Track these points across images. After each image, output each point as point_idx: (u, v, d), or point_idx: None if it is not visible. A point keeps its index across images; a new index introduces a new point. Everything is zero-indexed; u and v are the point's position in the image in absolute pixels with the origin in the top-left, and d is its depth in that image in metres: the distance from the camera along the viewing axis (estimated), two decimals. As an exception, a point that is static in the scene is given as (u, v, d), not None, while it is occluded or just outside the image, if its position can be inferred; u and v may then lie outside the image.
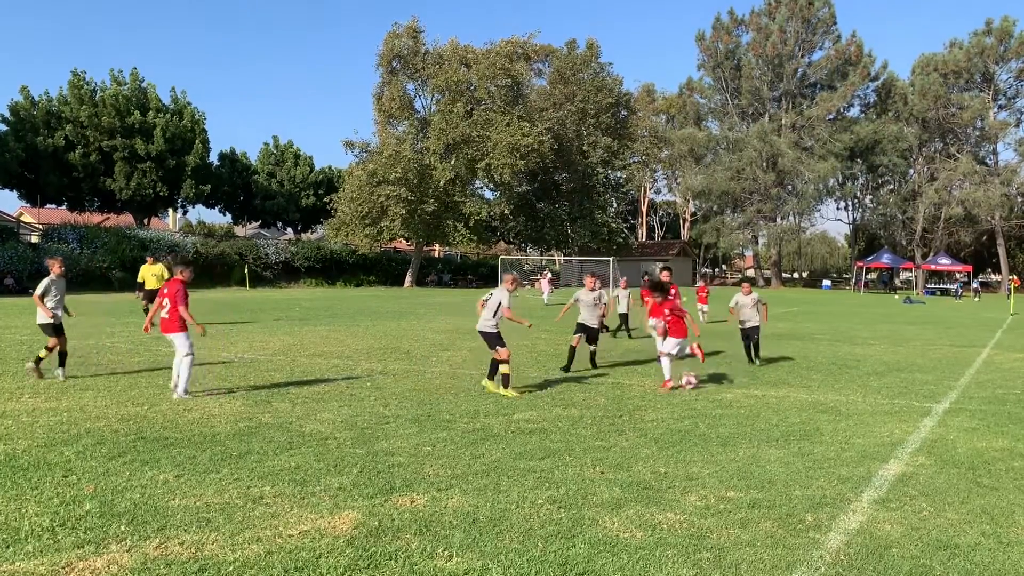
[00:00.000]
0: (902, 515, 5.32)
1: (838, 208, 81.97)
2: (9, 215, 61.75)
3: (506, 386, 9.85)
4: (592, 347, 13.14)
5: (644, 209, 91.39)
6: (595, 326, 13.09)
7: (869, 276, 71.13)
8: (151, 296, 18.29)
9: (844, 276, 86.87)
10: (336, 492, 5.57)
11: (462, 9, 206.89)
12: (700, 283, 26.29)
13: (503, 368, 9.90)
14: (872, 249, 75.22)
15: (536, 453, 6.82)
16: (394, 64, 57.13)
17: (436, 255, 74.48)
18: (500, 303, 10.11)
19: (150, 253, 23.07)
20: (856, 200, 79.65)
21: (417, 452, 6.80)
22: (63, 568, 4.14)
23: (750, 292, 14.11)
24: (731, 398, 10.01)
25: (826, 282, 76.38)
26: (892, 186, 76.86)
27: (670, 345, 10.80)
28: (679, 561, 4.43)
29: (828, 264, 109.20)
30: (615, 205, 73.01)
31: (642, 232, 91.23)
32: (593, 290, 13.17)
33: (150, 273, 19.47)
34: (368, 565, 4.28)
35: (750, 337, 13.83)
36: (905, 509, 5.46)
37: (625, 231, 71.63)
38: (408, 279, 58.60)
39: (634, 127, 68.98)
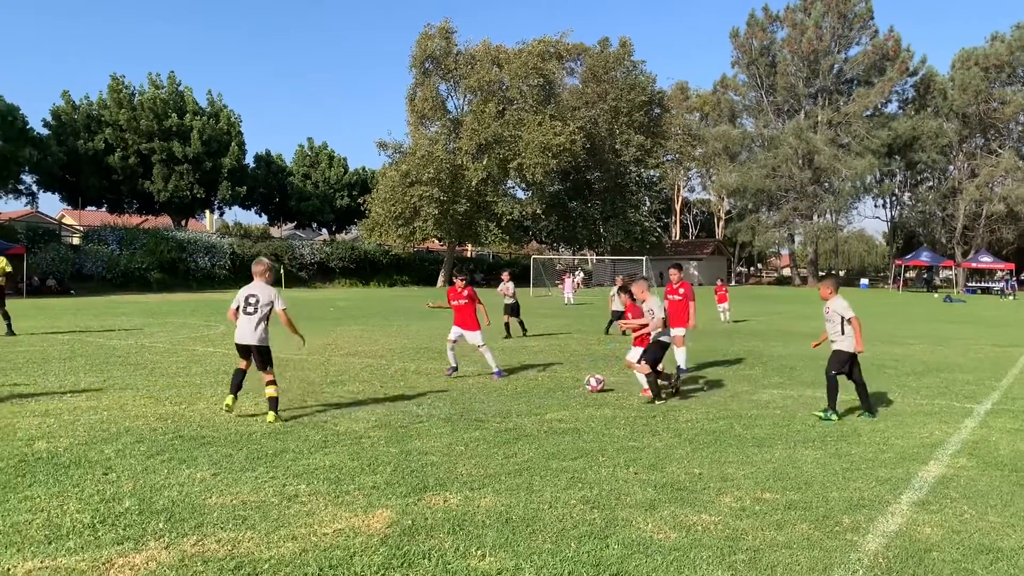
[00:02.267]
0: (942, 518, 5.22)
1: (876, 206, 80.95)
2: (51, 217, 63.08)
3: (275, 410, 8.09)
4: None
5: (678, 208, 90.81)
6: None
7: (908, 274, 69.95)
8: None
9: (882, 275, 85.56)
10: (370, 491, 5.60)
11: (494, 10, 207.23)
12: (718, 282, 25.96)
13: (271, 390, 8.13)
14: (911, 247, 73.95)
15: (569, 453, 6.80)
16: (427, 65, 57.38)
17: (468, 255, 74.66)
18: (272, 304, 8.24)
19: None
20: (894, 197, 78.41)
21: (450, 451, 6.82)
22: (103, 564, 4.21)
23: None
24: (767, 398, 9.90)
25: (863, 281, 75.21)
26: (931, 183, 75.52)
27: (633, 355, 9.94)
28: (714, 563, 4.39)
29: (865, 263, 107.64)
30: (648, 204, 72.63)
31: (676, 231, 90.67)
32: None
33: None
34: (402, 564, 4.30)
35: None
36: (946, 512, 5.36)
37: (658, 230, 71.21)
38: (441, 279, 58.78)
39: (667, 125, 68.56)
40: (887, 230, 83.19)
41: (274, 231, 69.72)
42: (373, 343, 16.29)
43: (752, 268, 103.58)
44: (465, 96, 58.60)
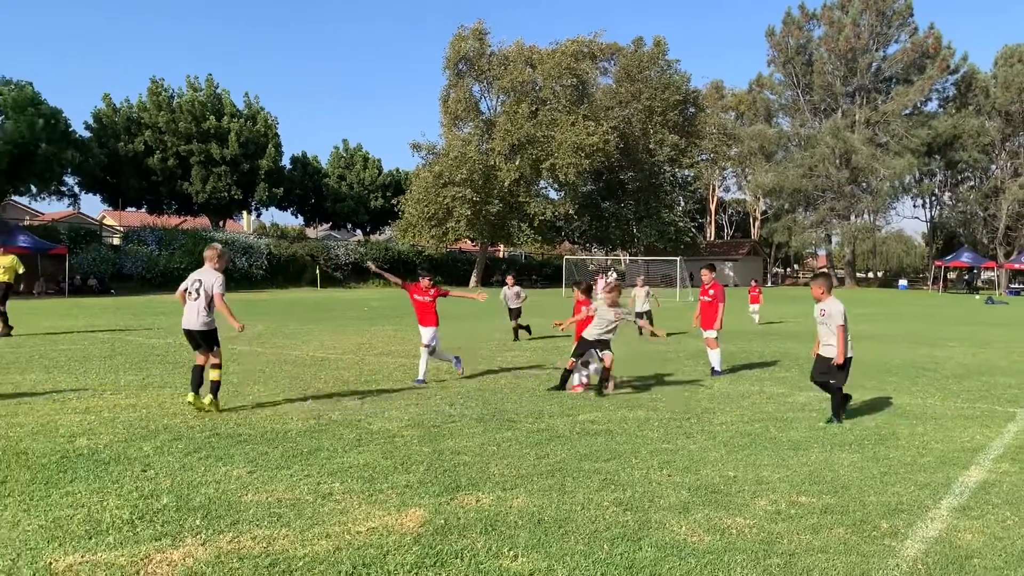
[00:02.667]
0: (984, 524, 5.12)
1: (915, 206, 79.42)
2: (92, 218, 64.30)
3: (215, 394, 8.33)
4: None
5: (713, 208, 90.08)
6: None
7: (948, 276, 68.66)
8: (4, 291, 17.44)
9: (921, 276, 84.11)
10: (403, 490, 5.63)
11: (528, 10, 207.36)
12: (752, 283, 25.61)
13: (214, 374, 8.34)
14: (951, 248, 72.56)
15: (602, 455, 6.78)
16: (460, 66, 57.56)
17: (501, 255, 74.74)
18: (213, 289, 8.30)
19: None
20: (934, 197, 77.00)
21: (482, 451, 6.83)
22: (142, 559, 4.28)
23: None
24: (803, 401, 9.78)
25: (902, 282, 74.01)
26: (973, 182, 74.05)
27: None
28: (748, 566, 4.34)
29: (904, 263, 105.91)
30: (682, 204, 72.12)
31: (710, 231, 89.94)
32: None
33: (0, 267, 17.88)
34: (434, 563, 4.31)
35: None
36: (987, 518, 5.25)
37: (693, 230, 70.74)
38: (473, 279, 58.93)
39: (702, 124, 68.05)
40: (926, 231, 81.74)
41: (310, 232, 70.36)
42: (406, 343, 16.37)
43: (788, 269, 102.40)
44: (498, 97, 58.69)
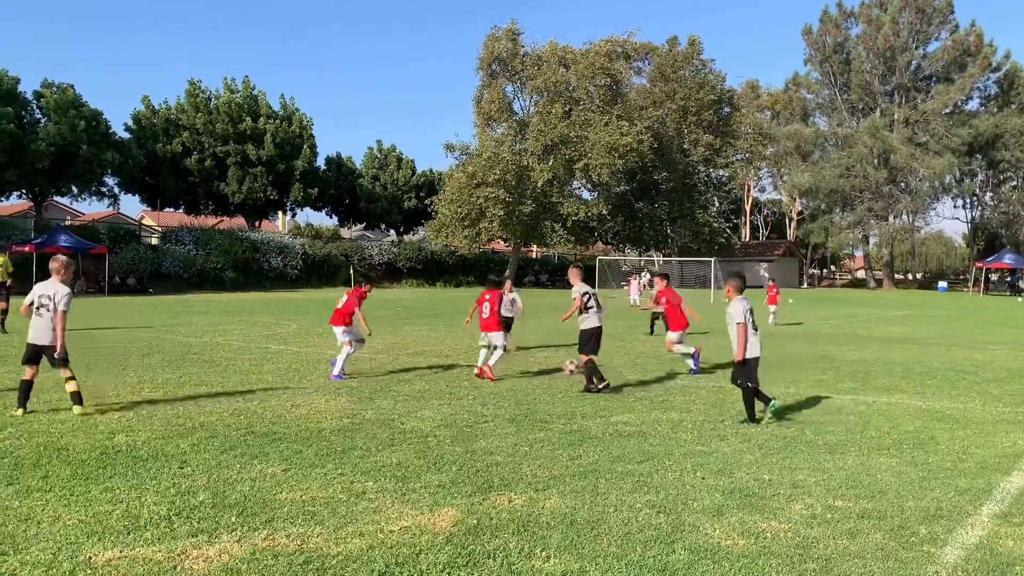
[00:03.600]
0: (1027, 532, 5.00)
1: (955, 206, 78.04)
2: (132, 218, 65.41)
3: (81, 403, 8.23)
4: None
5: (748, 208, 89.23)
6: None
7: (990, 278, 67.26)
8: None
9: (962, 278, 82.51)
10: (436, 489, 5.64)
11: (561, 10, 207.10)
12: (769, 283, 25.24)
13: (71, 386, 8.20)
14: (992, 249, 71.10)
15: (635, 456, 6.74)
16: (493, 67, 57.62)
17: (534, 256, 74.69)
18: (64, 299, 8.13)
19: None
20: (975, 198, 75.60)
21: (515, 452, 6.83)
22: (179, 555, 4.34)
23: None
24: (839, 404, 9.64)
25: (942, 284, 72.67)
26: (1016, 182, 72.56)
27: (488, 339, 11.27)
28: (783, 571, 4.29)
29: (944, 265, 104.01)
30: (717, 204, 71.51)
31: (745, 232, 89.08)
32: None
33: None
34: (467, 563, 4.31)
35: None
36: (1031, 525, 5.13)
37: (727, 231, 70.01)
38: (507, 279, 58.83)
39: (737, 124, 67.40)
40: (967, 231, 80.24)
41: (344, 232, 70.89)
42: (439, 343, 16.43)
43: (825, 270, 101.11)
44: (531, 97, 58.65)
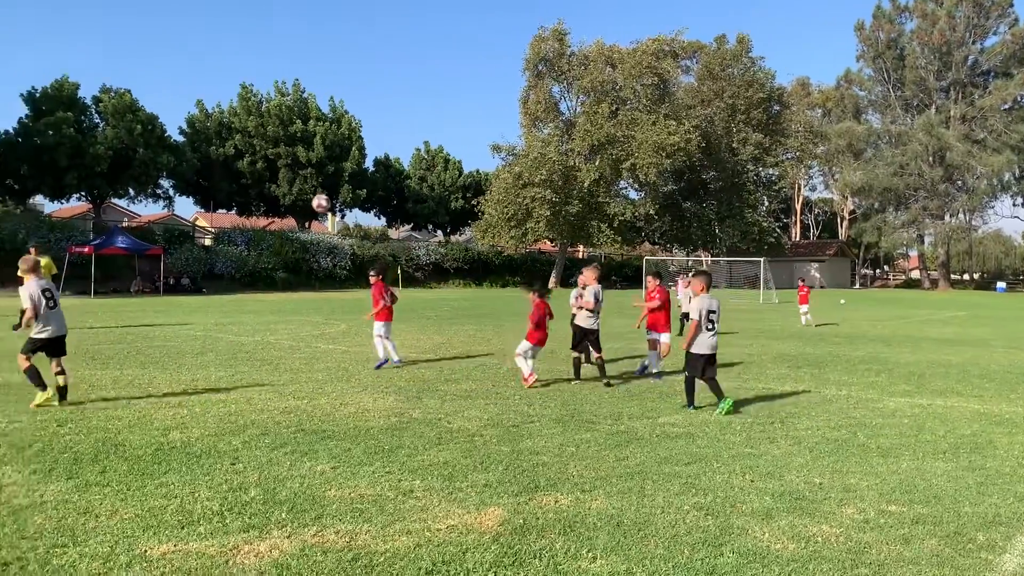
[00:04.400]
0: (1092, 540, 4.84)
1: (1015, 204, 75.61)
2: (186, 220, 66.85)
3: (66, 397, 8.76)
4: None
5: (798, 207, 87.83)
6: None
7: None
8: None
9: (1022, 278, 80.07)
10: (482, 488, 5.66)
11: (608, 9, 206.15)
12: (800, 283, 24.71)
13: (64, 379, 8.75)
14: (1055, 248, 68.88)
15: (682, 458, 6.68)
16: (540, 67, 57.64)
17: (580, 256, 74.48)
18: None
19: (32, 243, 21.28)
20: (1036, 196, 73.28)
21: (561, 452, 6.82)
22: (230, 550, 4.42)
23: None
24: (893, 407, 9.43)
25: (1000, 284, 70.68)
26: (1079, 180, 70.20)
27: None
28: (835, 577, 4.21)
29: (1003, 265, 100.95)
30: (766, 203, 70.45)
31: (795, 231, 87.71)
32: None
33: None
34: (513, 563, 4.32)
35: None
36: (1095, 534, 4.96)
37: (777, 230, 68.98)
38: (553, 280, 58.91)
39: (787, 122, 66.41)
40: (1028, 230, 77.74)
41: (392, 232, 71.53)
42: (486, 342, 16.48)
43: (878, 270, 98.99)
44: (578, 97, 58.53)
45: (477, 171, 68.57)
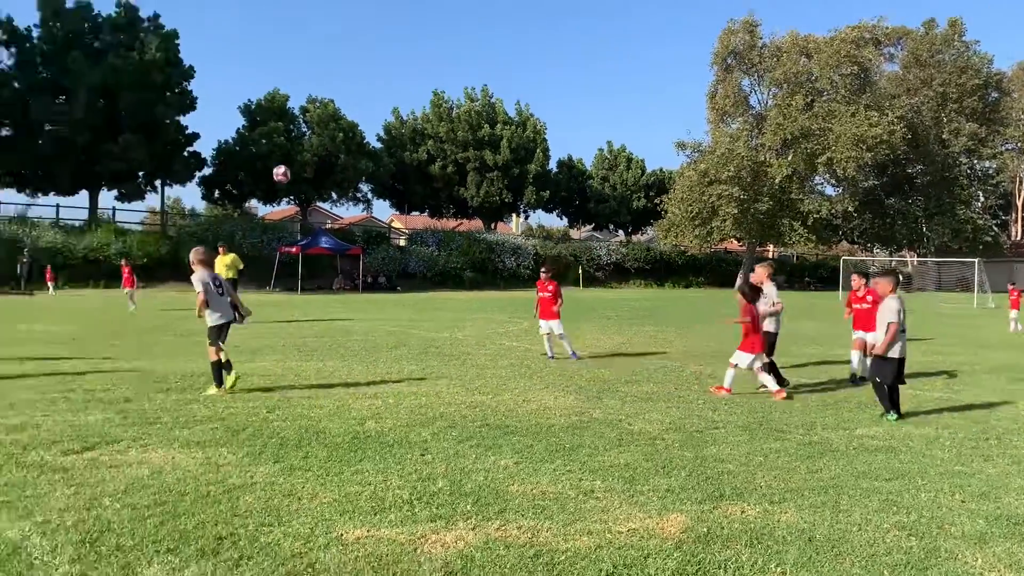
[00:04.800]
0: None
1: None
2: (382, 221, 70.57)
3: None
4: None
5: (1019, 203, 79.76)
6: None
7: None
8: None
9: None
10: (664, 493, 5.56)
11: (800, 1, 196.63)
12: (1010, 287, 22.07)
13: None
14: None
15: (882, 473, 6.23)
16: (728, 60, 55.93)
17: (770, 256, 71.56)
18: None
19: (221, 243, 22.39)
20: None
21: (748, 461, 6.56)
22: (419, 538, 4.60)
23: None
24: None
25: None
26: None
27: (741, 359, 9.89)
28: (1063, 615, 3.77)
29: None
30: (982, 199, 64.44)
31: (1016, 229, 79.67)
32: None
33: (222, 264, 19.52)
34: (696, 571, 4.21)
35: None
36: None
37: (994, 228, 62.94)
38: (739, 281, 56.97)
39: (1007, 110, 60.39)
40: None
41: (573, 233, 71.99)
42: (667, 344, 16.19)
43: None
44: (769, 90, 56.21)
45: (660, 169, 67.56)
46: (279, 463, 6.16)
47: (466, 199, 56.75)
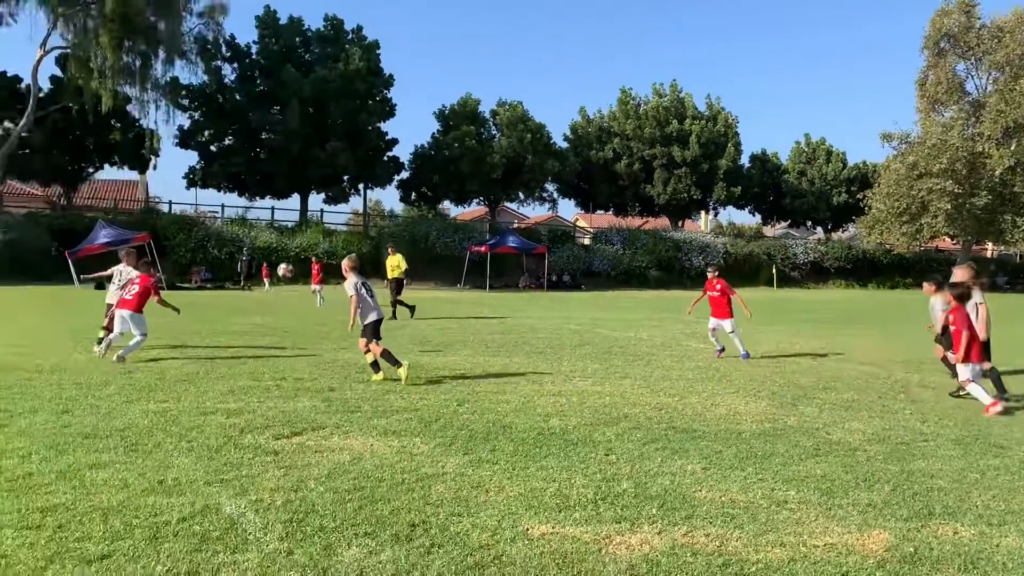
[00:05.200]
0: None
1: None
2: (567, 220, 71.21)
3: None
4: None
5: None
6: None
7: None
8: (398, 285, 20.49)
9: None
10: (865, 508, 5.21)
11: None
12: None
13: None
14: None
15: None
16: (942, 44, 51.60)
17: (989, 255, 65.44)
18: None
19: (389, 245, 23.40)
20: None
21: (961, 478, 6.02)
22: (603, 539, 4.58)
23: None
24: None
25: None
26: None
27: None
28: None
29: None
30: None
31: None
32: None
33: (391, 264, 20.75)
34: (901, 595, 3.91)
35: None
36: None
37: None
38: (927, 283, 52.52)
39: None
40: None
41: (766, 230, 69.26)
42: (870, 350, 15.20)
43: None
44: (989, 74, 51.29)
45: (863, 162, 63.52)
46: (468, 455, 6.35)
47: (652, 197, 56.09)
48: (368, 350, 10.03)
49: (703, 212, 64.87)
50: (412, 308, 20.12)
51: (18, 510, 4.77)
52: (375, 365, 10.00)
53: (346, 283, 10.16)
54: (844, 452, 6.74)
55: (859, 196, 55.79)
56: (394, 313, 19.51)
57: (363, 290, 10.07)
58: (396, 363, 9.80)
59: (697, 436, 7.21)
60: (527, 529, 4.69)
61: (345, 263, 10.41)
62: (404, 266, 21.15)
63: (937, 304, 10.48)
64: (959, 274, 10.02)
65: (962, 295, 9.21)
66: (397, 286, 20.50)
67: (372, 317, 10.03)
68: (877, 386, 10.51)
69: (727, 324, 13.22)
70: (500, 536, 4.57)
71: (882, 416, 8.39)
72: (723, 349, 13.36)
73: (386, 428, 7.24)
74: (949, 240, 56.97)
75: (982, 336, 9.21)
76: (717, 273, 13.99)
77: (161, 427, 7.05)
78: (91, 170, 46.54)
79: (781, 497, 5.41)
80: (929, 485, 5.79)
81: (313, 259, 28.74)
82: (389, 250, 21.79)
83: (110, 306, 12.29)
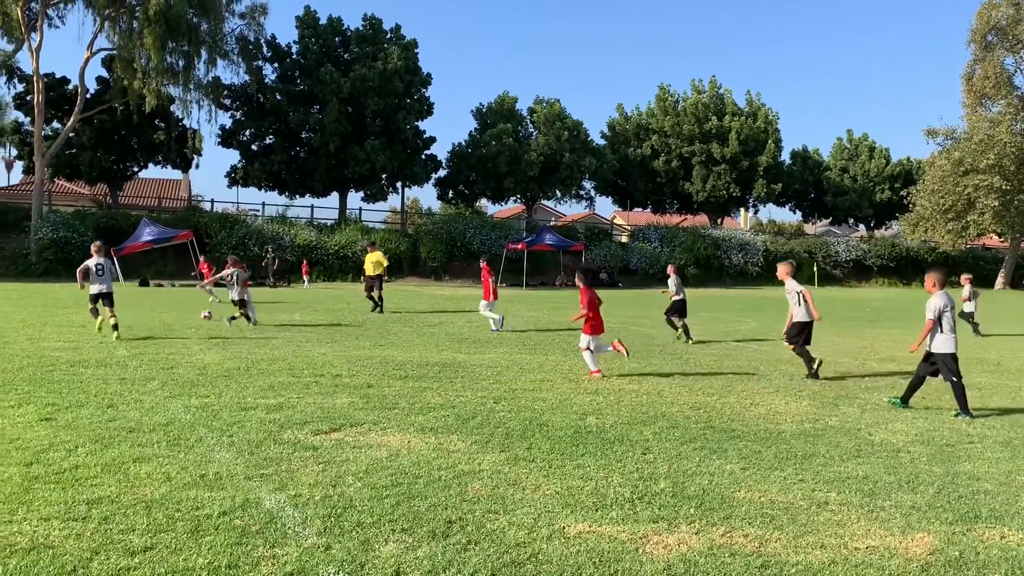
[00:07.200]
0: None
1: None
2: (604, 218, 70.92)
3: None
4: None
5: None
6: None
7: None
8: (370, 281, 20.73)
9: None
10: (909, 510, 5.11)
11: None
12: None
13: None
14: None
15: None
16: (989, 38, 50.48)
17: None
18: None
19: (368, 241, 23.40)
20: None
21: (1009, 480, 5.88)
22: (640, 538, 4.55)
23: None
24: None
25: None
26: None
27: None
28: None
29: None
30: None
31: None
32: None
33: (369, 261, 20.94)
34: (946, 600, 3.82)
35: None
36: None
37: None
38: (1000, 280, 51.40)
39: None
40: None
41: (807, 228, 68.30)
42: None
43: None
44: (1039, 68, 50.07)
45: (907, 159, 62.36)
46: (504, 452, 6.35)
47: (691, 194, 55.62)
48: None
49: (742, 209, 64.20)
50: (380, 307, 20.55)
51: (65, 502, 4.88)
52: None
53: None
54: (887, 453, 6.62)
55: (903, 193, 54.80)
56: (381, 307, 20.36)
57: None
58: None
59: (736, 436, 7.13)
60: (563, 527, 4.67)
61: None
62: (385, 262, 21.49)
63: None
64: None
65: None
66: (377, 282, 20.82)
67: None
68: (922, 387, 10.29)
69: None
70: (536, 534, 4.56)
71: (926, 417, 8.23)
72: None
73: (423, 425, 7.28)
74: (997, 238, 55.69)
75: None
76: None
77: (203, 422, 7.16)
78: (136, 169, 47.55)
79: (822, 498, 5.33)
80: (975, 488, 5.66)
81: (372, 249, 28.28)
82: (368, 248, 22.34)
83: (239, 302, 16.13)
